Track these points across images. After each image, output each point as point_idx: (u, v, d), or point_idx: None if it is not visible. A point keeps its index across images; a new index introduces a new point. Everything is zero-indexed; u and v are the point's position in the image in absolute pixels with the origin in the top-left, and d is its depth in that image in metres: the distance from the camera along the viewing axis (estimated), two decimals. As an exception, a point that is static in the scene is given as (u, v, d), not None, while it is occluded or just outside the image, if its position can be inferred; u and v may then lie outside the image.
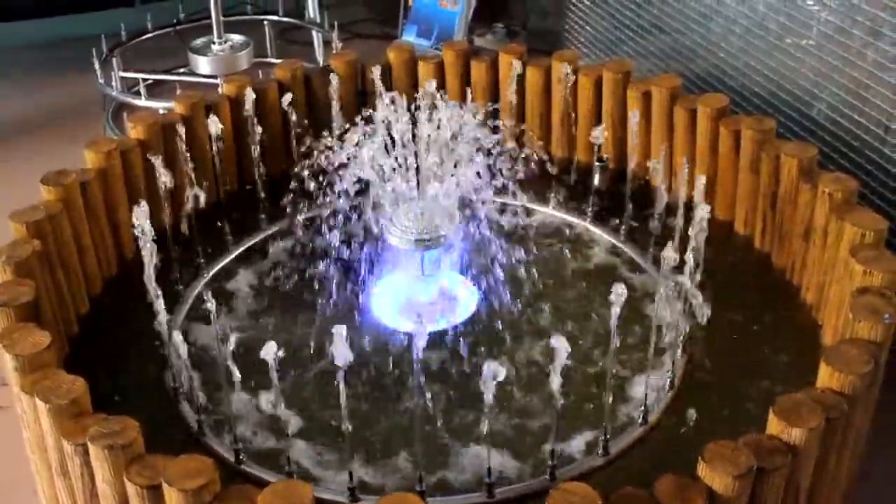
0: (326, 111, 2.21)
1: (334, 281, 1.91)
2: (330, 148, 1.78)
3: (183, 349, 1.45)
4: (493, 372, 1.27)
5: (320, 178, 1.85)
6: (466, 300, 1.87)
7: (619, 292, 1.38)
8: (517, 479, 1.52)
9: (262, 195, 2.14)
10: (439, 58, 2.37)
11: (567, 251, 2.05)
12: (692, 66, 2.66)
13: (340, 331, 1.29)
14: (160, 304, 1.52)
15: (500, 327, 1.82)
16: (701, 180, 1.70)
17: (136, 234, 1.58)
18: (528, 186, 1.98)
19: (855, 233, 1.68)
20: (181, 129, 2.00)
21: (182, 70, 3.40)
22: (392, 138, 1.75)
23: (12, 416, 1.58)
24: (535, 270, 1.95)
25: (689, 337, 1.73)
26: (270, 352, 1.33)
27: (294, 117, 2.12)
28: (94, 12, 3.78)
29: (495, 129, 1.85)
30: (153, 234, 1.59)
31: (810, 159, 1.87)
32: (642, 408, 1.61)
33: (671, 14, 2.72)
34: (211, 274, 2.00)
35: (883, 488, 1.88)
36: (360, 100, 2.34)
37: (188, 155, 2.00)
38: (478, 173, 1.77)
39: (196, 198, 2.00)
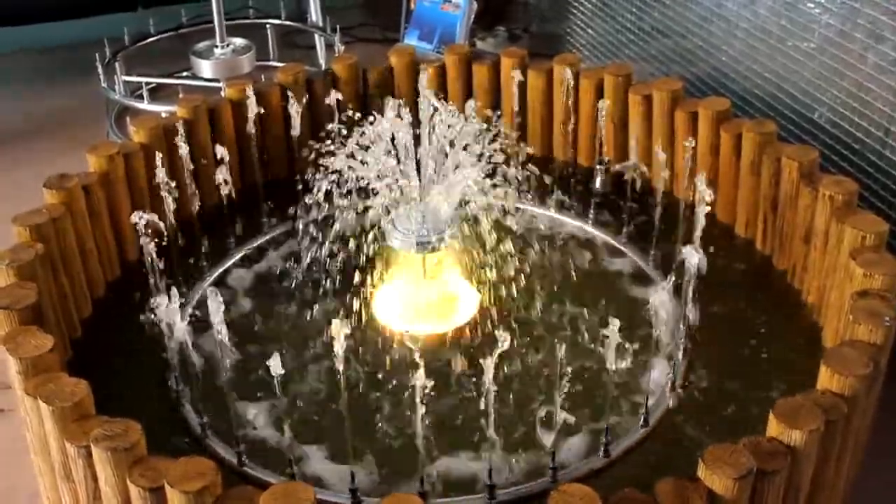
0: (328, 115, 2.22)
1: (336, 284, 1.92)
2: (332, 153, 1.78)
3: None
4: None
5: (323, 182, 1.86)
6: (467, 302, 1.88)
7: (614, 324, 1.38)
8: (518, 481, 1.52)
9: (264, 198, 2.15)
10: (441, 61, 2.38)
11: (568, 253, 2.06)
12: (694, 70, 2.66)
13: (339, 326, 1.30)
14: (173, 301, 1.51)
15: (501, 330, 1.82)
16: (702, 183, 1.71)
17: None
18: (529, 189, 1.98)
19: (855, 235, 1.68)
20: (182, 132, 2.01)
21: (185, 74, 3.41)
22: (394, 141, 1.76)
23: (11, 419, 1.59)
24: (536, 273, 1.95)
25: (689, 339, 1.74)
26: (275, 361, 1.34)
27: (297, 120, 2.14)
28: (96, 17, 3.79)
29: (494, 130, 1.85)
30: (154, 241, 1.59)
31: (811, 162, 1.88)
32: (643, 410, 1.62)
33: (672, 17, 2.73)
34: (213, 277, 2.00)
35: (883, 494, 1.88)
36: (362, 103, 2.34)
37: (190, 158, 2.01)
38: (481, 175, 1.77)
39: (198, 201, 2.01)
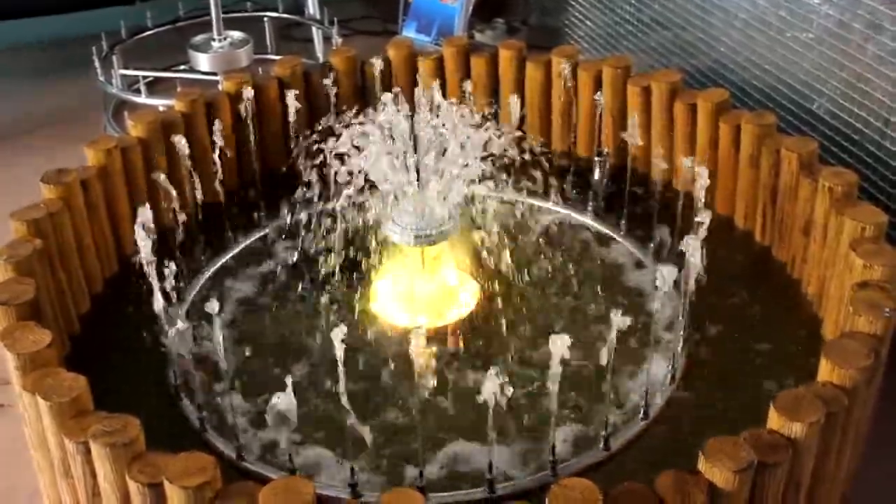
0: (326, 108, 2.21)
1: (334, 277, 1.91)
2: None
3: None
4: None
5: (320, 176, 1.85)
6: (466, 295, 1.87)
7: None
8: (518, 475, 1.52)
9: (262, 193, 2.14)
10: (439, 53, 2.37)
11: (567, 245, 2.05)
12: (693, 61, 2.65)
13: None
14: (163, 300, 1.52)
15: (500, 323, 1.82)
16: (703, 175, 1.70)
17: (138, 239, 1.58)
18: (528, 181, 1.97)
19: (855, 227, 1.68)
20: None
21: (182, 67, 3.40)
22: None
23: (11, 417, 1.58)
24: (534, 265, 1.95)
25: (689, 331, 1.73)
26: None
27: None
28: (93, 10, 3.78)
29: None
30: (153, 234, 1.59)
31: (810, 153, 1.87)
32: (643, 403, 1.61)
33: (672, 9, 2.72)
34: (211, 272, 2.00)
35: (882, 485, 1.88)
36: (361, 95, 2.34)
37: (188, 152, 2.00)
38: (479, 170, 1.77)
39: (196, 195, 2.01)
